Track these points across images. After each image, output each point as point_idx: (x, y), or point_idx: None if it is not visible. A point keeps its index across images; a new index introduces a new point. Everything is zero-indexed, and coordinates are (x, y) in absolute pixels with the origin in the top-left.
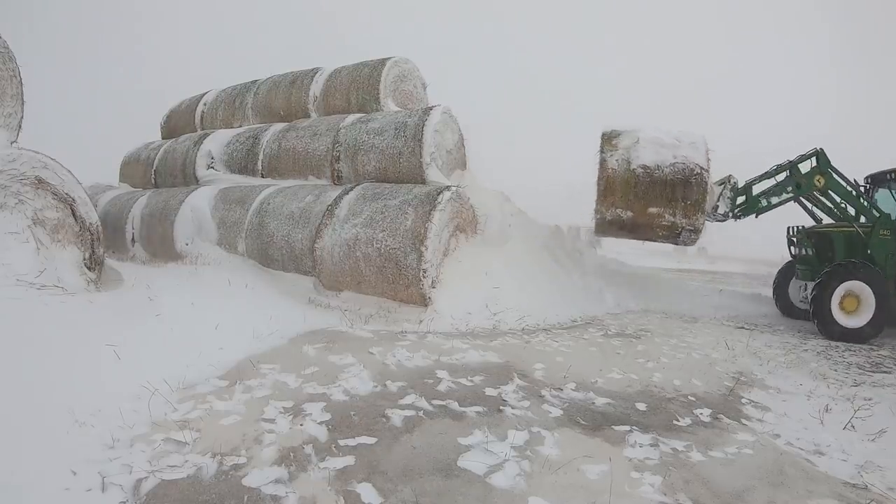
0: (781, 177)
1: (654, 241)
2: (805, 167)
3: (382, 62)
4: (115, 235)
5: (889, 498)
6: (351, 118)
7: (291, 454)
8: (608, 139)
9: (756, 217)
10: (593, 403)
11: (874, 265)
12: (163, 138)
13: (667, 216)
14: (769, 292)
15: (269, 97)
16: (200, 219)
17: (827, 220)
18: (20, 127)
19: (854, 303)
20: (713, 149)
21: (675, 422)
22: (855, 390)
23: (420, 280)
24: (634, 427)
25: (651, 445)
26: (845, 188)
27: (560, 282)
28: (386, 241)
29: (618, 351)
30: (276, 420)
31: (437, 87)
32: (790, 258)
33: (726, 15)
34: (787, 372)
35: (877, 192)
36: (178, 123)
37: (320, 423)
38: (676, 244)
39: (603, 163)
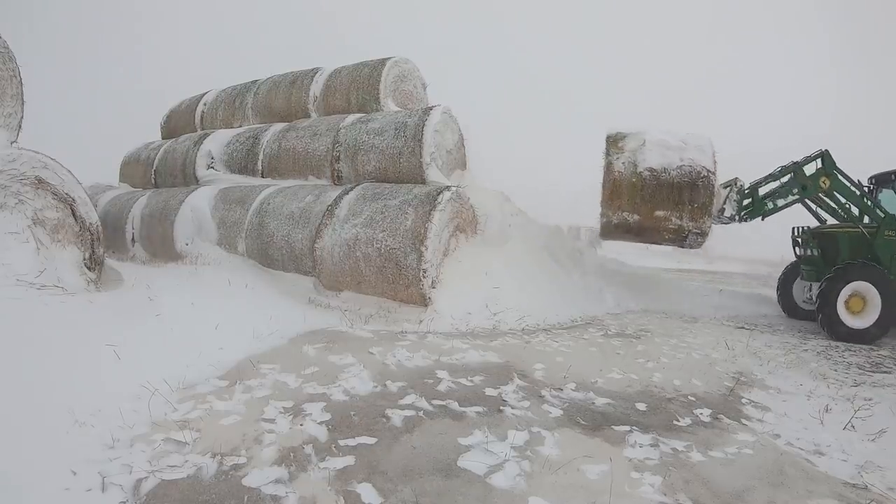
0: (786, 178)
1: (660, 243)
2: (810, 168)
3: (382, 62)
4: (115, 235)
5: (889, 498)
6: (351, 118)
7: (291, 454)
8: (613, 141)
9: (762, 220)
10: (593, 403)
11: (880, 265)
12: (163, 138)
13: (673, 219)
14: (769, 292)
15: (269, 97)
16: (200, 219)
17: (831, 220)
18: (20, 127)
19: (860, 303)
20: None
21: (675, 422)
22: (855, 390)
23: (420, 280)
24: (634, 427)
25: (651, 445)
26: (850, 189)
27: (560, 282)
28: (386, 241)
29: (618, 351)
30: (276, 420)
31: (437, 87)
32: (795, 258)
33: (726, 15)
34: (787, 372)
35: (880, 192)
36: (178, 123)
37: (320, 423)
38: (682, 247)
39: (609, 166)
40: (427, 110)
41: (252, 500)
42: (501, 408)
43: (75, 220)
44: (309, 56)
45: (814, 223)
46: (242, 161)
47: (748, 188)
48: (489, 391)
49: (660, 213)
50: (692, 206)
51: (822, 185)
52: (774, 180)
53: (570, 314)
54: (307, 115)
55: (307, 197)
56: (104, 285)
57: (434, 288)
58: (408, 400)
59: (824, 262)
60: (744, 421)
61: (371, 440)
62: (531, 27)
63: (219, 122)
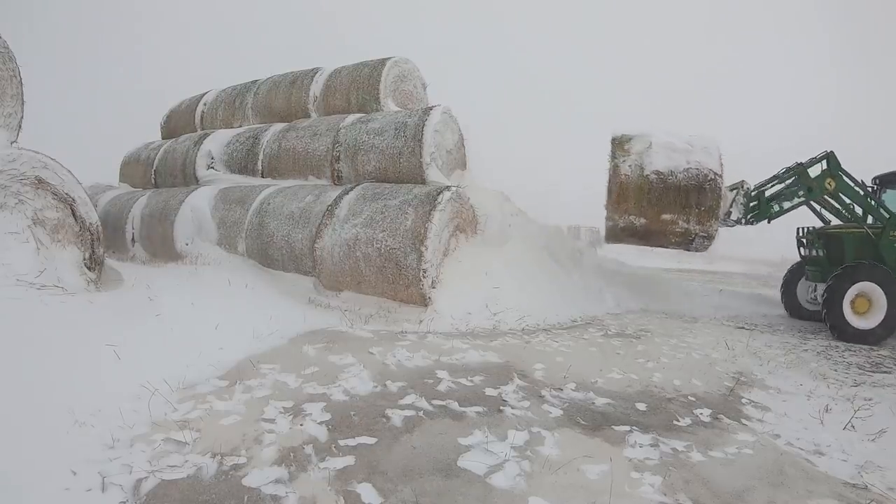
0: (791, 180)
1: (666, 247)
2: (814, 170)
3: (382, 62)
4: (115, 235)
5: (889, 498)
6: (351, 118)
7: (291, 454)
8: (619, 144)
9: (769, 222)
10: (593, 403)
11: (884, 266)
12: (163, 138)
13: (680, 223)
14: (769, 292)
15: (269, 97)
16: (200, 219)
17: (835, 221)
18: (20, 127)
19: (865, 304)
20: None
21: (675, 422)
22: (855, 390)
23: (420, 280)
24: (634, 427)
25: (651, 445)
26: (855, 190)
27: (560, 282)
28: (386, 241)
29: (618, 351)
30: (276, 420)
31: (437, 87)
32: (799, 259)
33: (726, 15)
34: (787, 372)
35: (884, 192)
36: (178, 123)
37: (320, 423)
38: (688, 250)
39: (615, 169)
40: (427, 110)
41: (252, 500)
42: (501, 408)
43: (75, 220)
44: (309, 56)
45: (817, 223)
46: (242, 161)
47: (755, 191)
48: (489, 391)
49: (666, 216)
50: (699, 210)
51: (828, 186)
52: (780, 182)
53: (570, 314)
54: (307, 115)
55: (307, 197)
56: (104, 285)
57: (434, 288)
58: (408, 400)
59: (829, 263)
60: (744, 421)
61: (371, 440)
62: (531, 27)
63: (219, 122)
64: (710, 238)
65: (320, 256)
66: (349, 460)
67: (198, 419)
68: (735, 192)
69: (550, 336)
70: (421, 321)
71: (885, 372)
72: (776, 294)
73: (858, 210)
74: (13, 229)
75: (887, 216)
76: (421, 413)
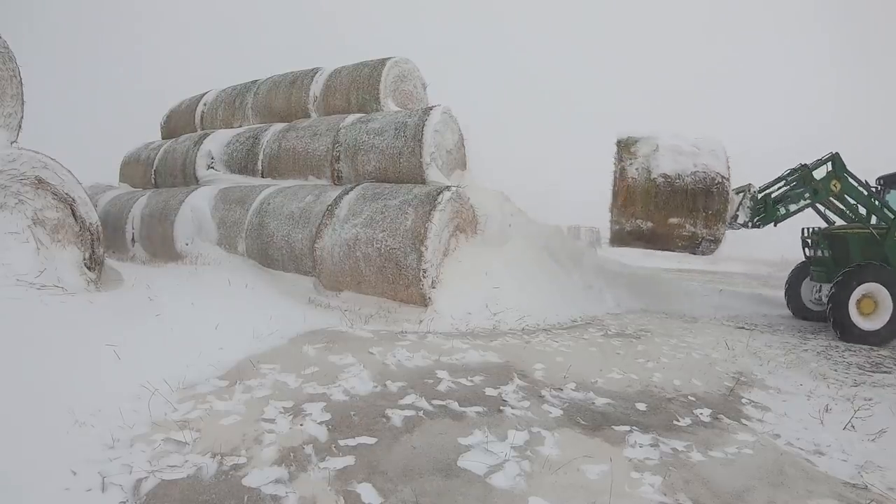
0: (795, 182)
1: (672, 250)
2: (819, 172)
3: (382, 62)
4: (115, 235)
5: (889, 498)
6: (351, 118)
7: (291, 454)
8: (625, 146)
9: (775, 225)
10: (593, 403)
11: (890, 266)
12: (163, 138)
13: (687, 226)
14: (769, 292)
15: (269, 97)
16: (200, 219)
17: (839, 222)
18: (20, 127)
19: (871, 305)
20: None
21: (675, 422)
22: (855, 390)
23: (420, 280)
24: (634, 427)
25: (651, 445)
26: (860, 191)
27: (560, 282)
28: (386, 241)
29: (618, 351)
30: (276, 420)
31: (437, 87)
32: (804, 259)
33: (726, 15)
34: (787, 372)
35: (889, 193)
36: (178, 123)
37: (320, 423)
38: (694, 254)
39: (622, 172)
40: (427, 110)
41: (252, 500)
42: (501, 408)
43: (75, 220)
44: (309, 56)
45: (821, 224)
46: (242, 161)
47: (762, 194)
48: (489, 391)
49: (674, 220)
50: (706, 213)
51: (833, 188)
52: (787, 185)
53: (570, 314)
54: (307, 115)
55: (307, 197)
56: (104, 285)
57: (434, 288)
58: (408, 400)
59: (834, 264)
60: (744, 421)
61: (371, 440)
62: (531, 27)
63: (219, 122)
64: (716, 242)
65: (320, 256)
66: (349, 460)
67: (198, 419)
68: (742, 195)
69: (550, 336)
70: (421, 321)
71: (885, 372)
72: (776, 294)
73: (862, 210)
74: (13, 229)
75: (892, 217)
76: (421, 413)
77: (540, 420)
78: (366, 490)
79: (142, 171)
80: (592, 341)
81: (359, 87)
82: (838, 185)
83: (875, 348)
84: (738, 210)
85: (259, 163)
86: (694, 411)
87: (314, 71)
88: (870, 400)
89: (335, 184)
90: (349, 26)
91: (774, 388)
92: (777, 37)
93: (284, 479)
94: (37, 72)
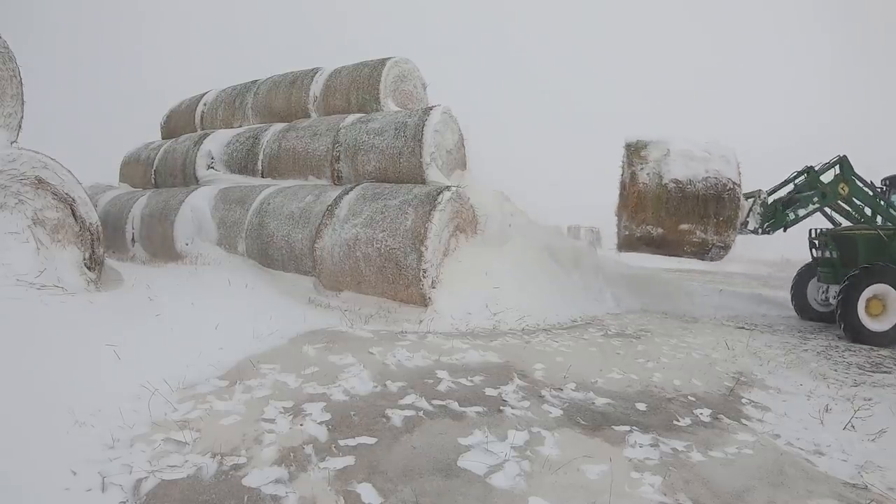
0: (802, 184)
1: (682, 256)
2: (826, 175)
3: (382, 62)
4: (115, 235)
5: (889, 498)
6: (351, 118)
7: (291, 454)
8: (635, 150)
9: (784, 231)
10: (593, 403)
11: None
12: (163, 138)
13: (698, 233)
14: (769, 292)
15: (269, 97)
16: (200, 219)
17: (845, 223)
18: (20, 127)
19: (879, 306)
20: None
21: (675, 422)
22: (855, 390)
23: (420, 280)
24: (634, 427)
25: (651, 445)
26: (867, 193)
27: (560, 282)
28: (386, 241)
29: (618, 351)
30: (276, 420)
31: (437, 87)
32: (811, 259)
33: (726, 15)
34: (787, 372)
35: (894, 194)
36: (178, 123)
37: (320, 423)
38: (704, 259)
39: (633, 176)
40: (427, 110)
41: (252, 500)
42: (501, 408)
43: (75, 220)
44: (309, 56)
45: (827, 225)
46: (242, 161)
47: (772, 200)
48: (489, 391)
49: (684, 226)
50: (717, 220)
51: (841, 191)
52: (795, 190)
53: (570, 314)
54: (307, 115)
55: (307, 197)
56: (104, 285)
57: (434, 288)
58: (408, 400)
59: (842, 264)
60: (744, 421)
61: (371, 440)
62: (531, 27)
63: (219, 122)
64: (726, 248)
65: (320, 256)
66: (349, 460)
67: (198, 419)
68: (752, 201)
69: (550, 336)
70: (421, 321)
71: (885, 372)
72: (776, 294)
73: (868, 212)
74: (13, 229)
75: None
76: (421, 413)
77: (540, 420)
78: (366, 490)
79: (142, 171)
80: (592, 341)
81: (359, 87)
82: (846, 189)
83: (875, 348)
84: (748, 216)
85: (259, 163)
86: (694, 411)
87: (314, 71)
88: (870, 400)
89: (335, 184)
90: (349, 26)
91: (774, 388)
92: (777, 37)
93: (284, 479)
94: (37, 72)
